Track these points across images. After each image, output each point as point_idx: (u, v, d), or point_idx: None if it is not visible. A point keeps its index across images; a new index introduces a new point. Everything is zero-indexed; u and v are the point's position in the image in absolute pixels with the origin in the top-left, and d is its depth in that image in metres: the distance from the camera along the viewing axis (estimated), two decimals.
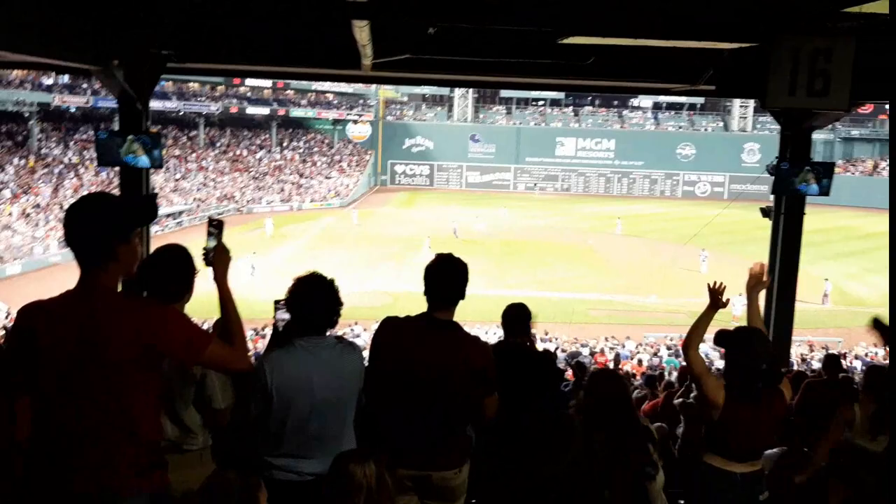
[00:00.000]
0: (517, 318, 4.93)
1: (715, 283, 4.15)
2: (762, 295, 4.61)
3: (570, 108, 73.16)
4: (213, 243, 3.13)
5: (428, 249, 34.94)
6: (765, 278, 4.32)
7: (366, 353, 3.80)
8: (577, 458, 3.53)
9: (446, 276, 3.54)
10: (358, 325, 22.32)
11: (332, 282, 3.48)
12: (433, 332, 3.49)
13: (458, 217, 46.15)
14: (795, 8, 7.96)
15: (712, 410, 3.86)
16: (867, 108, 59.00)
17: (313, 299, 3.43)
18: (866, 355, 20.79)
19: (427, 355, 3.44)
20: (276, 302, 3.85)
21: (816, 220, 26.83)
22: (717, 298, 4.08)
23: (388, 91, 68.13)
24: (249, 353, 3.21)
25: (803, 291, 28.90)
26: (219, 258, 3.13)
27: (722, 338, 4.01)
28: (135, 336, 2.69)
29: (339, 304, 3.47)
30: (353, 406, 3.55)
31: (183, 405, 3.49)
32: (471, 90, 66.21)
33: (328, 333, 3.52)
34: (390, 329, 3.67)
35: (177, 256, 3.48)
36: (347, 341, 3.61)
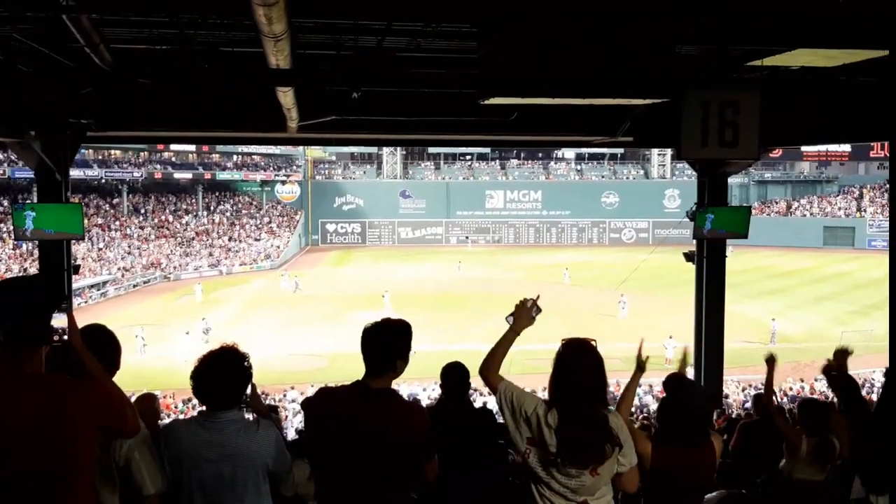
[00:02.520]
0: (455, 376, 4.92)
1: (640, 346, 4.30)
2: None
3: (497, 161, 74.62)
4: (65, 320, 3.06)
5: (389, 305, 34.74)
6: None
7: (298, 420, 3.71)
8: None
9: (379, 344, 3.43)
10: (294, 389, 21.86)
11: (240, 358, 3.42)
12: (369, 403, 3.39)
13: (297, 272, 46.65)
14: (702, 63, 8.40)
15: (643, 461, 3.90)
16: (777, 153, 61.97)
17: (214, 375, 3.37)
18: (791, 389, 21.45)
19: (364, 427, 3.35)
20: None
21: (736, 260, 27.85)
22: (641, 362, 4.22)
23: (315, 151, 68.14)
24: None
25: (749, 332, 29.81)
26: (73, 331, 3.07)
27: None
28: (90, 416, 2.63)
29: (243, 381, 3.41)
30: (257, 488, 3.43)
31: (108, 495, 3.33)
32: (399, 147, 66.93)
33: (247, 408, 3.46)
34: (324, 400, 3.58)
35: (100, 335, 3.39)
36: (258, 420, 3.49)
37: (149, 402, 5.21)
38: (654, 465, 3.92)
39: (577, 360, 3.50)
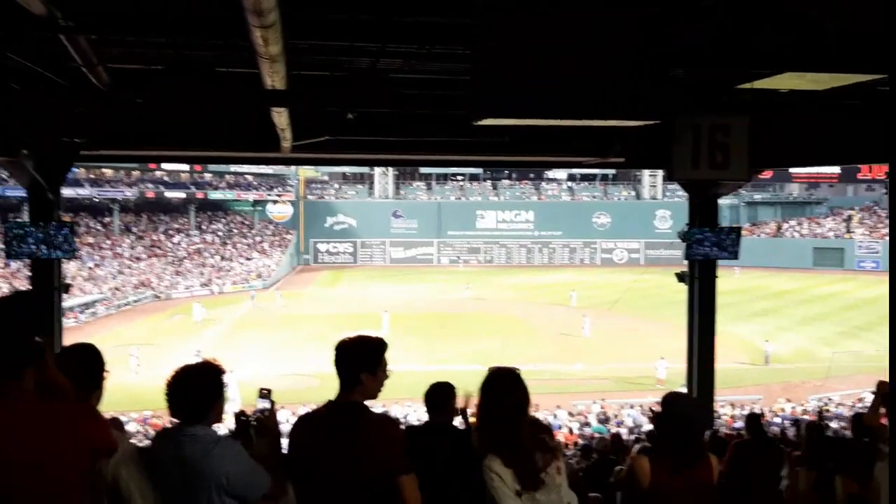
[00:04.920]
0: (439, 397, 4.90)
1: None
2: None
3: (489, 181, 74.83)
4: None
5: (387, 326, 34.51)
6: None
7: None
8: None
9: (342, 358, 3.52)
10: (284, 409, 21.67)
11: (214, 372, 3.40)
12: (336, 419, 3.42)
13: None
14: (693, 87, 8.50)
15: (641, 480, 3.91)
16: (767, 175, 62.41)
17: (185, 387, 3.35)
18: (783, 410, 21.43)
19: (330, 444, 3.37)
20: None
21: (727, 281, 27.98)
22: None
23: (308, 170, 68.27)
24: None
25: (739, 352, 29.85)
26: (46, 351, 3.07)
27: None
28: (87, 443, 2.56)
29: (213, 396, 3.38)
30: None
31: None
32: (391, 167, 67.11)
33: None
34: (300, 422, 3.63)
35: (89, 354, 3.36)
36: (220, 437, 3.43)
37: None
38: (652, 483, 3.91)
39: (515, 389, 3.66)
